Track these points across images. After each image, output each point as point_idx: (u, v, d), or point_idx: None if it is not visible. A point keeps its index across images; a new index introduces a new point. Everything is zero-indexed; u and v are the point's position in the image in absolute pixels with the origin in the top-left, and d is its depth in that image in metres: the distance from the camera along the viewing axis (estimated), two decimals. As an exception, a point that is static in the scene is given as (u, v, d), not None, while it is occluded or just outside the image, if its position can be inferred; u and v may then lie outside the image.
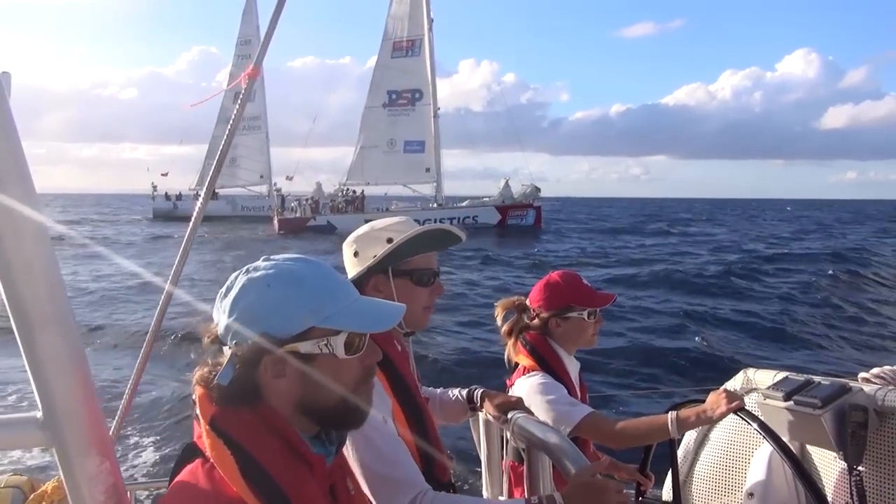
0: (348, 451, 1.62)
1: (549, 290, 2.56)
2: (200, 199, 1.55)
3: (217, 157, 1.64)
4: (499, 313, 2.59)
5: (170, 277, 1.50)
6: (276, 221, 42.09)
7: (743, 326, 14.08)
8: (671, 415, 2.17)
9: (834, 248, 30.69)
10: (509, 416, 2.01)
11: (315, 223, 40.73)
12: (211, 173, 1.63)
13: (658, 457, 2.39)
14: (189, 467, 1.13)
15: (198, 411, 1.15)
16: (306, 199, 43.18)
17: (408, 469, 1.64)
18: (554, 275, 2.61)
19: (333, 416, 1.18)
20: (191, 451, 1.15)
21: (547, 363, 2.49)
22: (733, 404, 2.06)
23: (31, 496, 1.65)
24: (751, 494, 2.26)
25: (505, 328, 2.59)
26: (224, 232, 39.55)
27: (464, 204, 43.11)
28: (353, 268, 1.90)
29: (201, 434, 1.13)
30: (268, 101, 58.58)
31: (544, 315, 2.54)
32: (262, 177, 57.10)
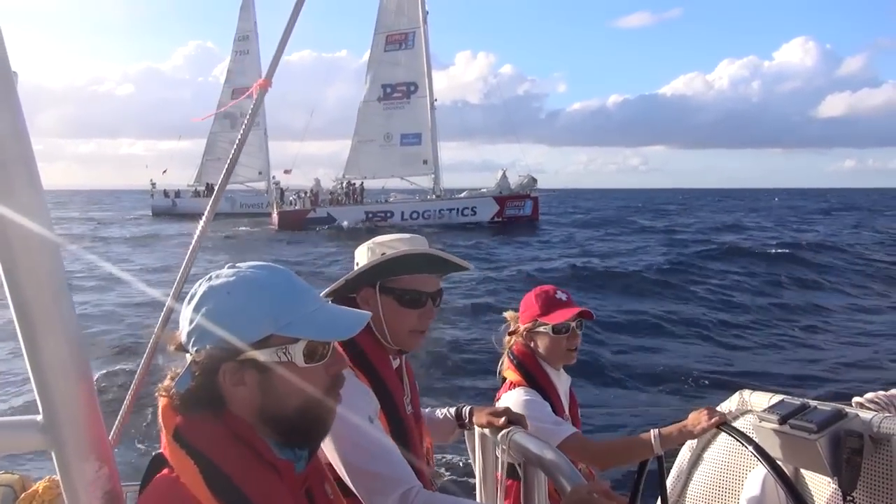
0: (333, 454, 1.62)
1: (523, 305, 2.58)
2: (202, 221, 1.54)
3: (224, 171, 1.63)
4: (507, 323, 2.60)
5: (173, 289, 1.49)
6: (275, 214, 41.93)
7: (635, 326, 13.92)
8: (653, 432, 2.18)
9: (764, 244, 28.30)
10: (504, 432, 2.00)
11: (315, 215, 40.65)
12: (217, 190, 1.62)
13: (650, 475, 2.39)
14: (156, 478, 1.13)
15: (160, 421, 1.14)
16: (305, 193, 43.10)
17: (398, 466, 1.63)
18: (536, 288, 2.61)
19: (295, 425, 1.16)
20: (158, 462, 1.15)
21: (533, 378, 2.48)
22: (713, 420, 2.08)
23: (23, 495, 1.63)
24: None
25: (505, 339, 2.60)
26: (222, 229, 39.00)
27: (462, 195, 42.98)
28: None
29: (167, 444, 1.13)
30: (265, 96, 57.92)
31: (522, 329, 2.55)
32: (260, 173, 56.92)
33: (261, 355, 1.12)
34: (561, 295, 2.54)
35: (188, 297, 1.18)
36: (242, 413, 1.13)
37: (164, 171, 60.21)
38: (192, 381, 1.12)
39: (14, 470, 1.77)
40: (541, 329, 2.50)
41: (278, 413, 1.14)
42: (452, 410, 2.25)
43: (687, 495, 2.61)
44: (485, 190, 42.19)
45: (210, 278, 1.19)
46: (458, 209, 40.58)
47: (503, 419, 2.04)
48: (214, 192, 1.59)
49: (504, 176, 41.70)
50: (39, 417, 1.13)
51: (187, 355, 1.16)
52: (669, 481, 2.62)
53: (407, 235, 1.92)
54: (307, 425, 1.18)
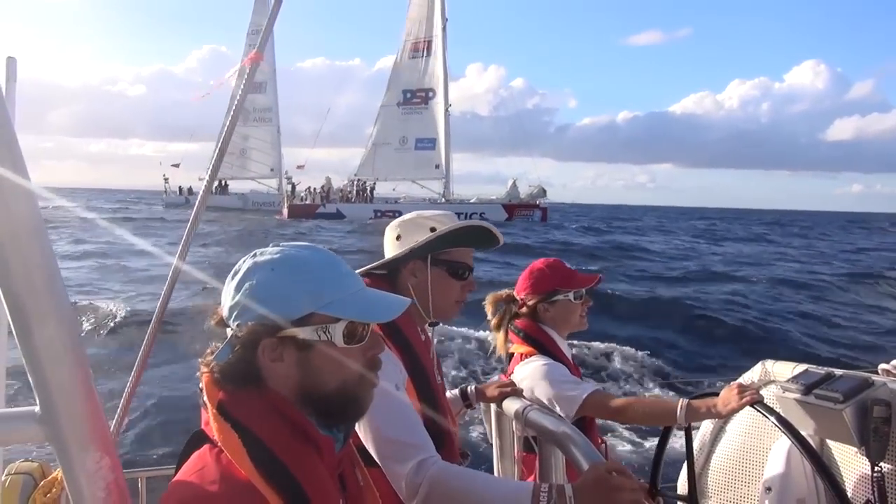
0: (359, 424, 1.61)
1: (533, 277, 2.58)
2: (200, 193, 1.54)
3: (218, 148, 1.62)
4: (489, 308, 2.61)
5: (170, 271, 1.49)
6: (285, 208, 42.84)
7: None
8: (682, 402, 2.13)
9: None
10: (521, 408, 1.99)
11: (324, 210, 41.71)
12: (213, 160, 1.61)
13: (672, 448, 2.35)
14: (197, 453, 1.13)
15: (204, 397, 1.14)
16: (316, 189, 43.80)
17: (417, 434, 1.64)
18: (537, 262, 2.63)
19: (332, 404, 1.17)
20: (198, 438, 1.15)
21: (543, 346, 2.49)
22: (745, 399, 2.01)
23: (42, 483, 1.65)
24: (769, 488, 2.21)
25: (494, 321, 2.60)
26: (233, 223, 39.90)
27: (472, 200, 43.52)
28: (393, 250, 1.92)
29: (208, 420, 1.13)
30: (278, 100, 58.99)
31: (531, 302, 2.55)
32: (272, 170, 57.64)
33: (301, 333, 1.13)
34: (569, 265, 2.61)
35: (232, 272, 1.20)
36: (283, 389, 1.14)
37: (177, 165, 60.69)
38: (231, 355, 1.13)
39: (33, 458, 1.79)
40: (558, 297, 2.52)
41: (316, 391, 1.15)
42: (457, 391, 2.28)
43: (710, 467, 2.56)
44: (495, 197, 42.72)
45: (255, 255, 1.20)
46: (466, 213, 41.02)
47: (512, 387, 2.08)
48: (209, 168, 1.58)
49: (515, 185, 42.52)
50: (37, 408, 1.12)
51: (228, 330, 1.16)
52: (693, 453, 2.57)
53: (444, 212, 1.98)
54: (343, 405, 1.18)
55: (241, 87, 1.50)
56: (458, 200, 43.62)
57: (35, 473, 1.70)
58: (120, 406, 1.49)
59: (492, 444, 2.37)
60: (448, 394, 2.25)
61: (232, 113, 1.55)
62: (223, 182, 58.02)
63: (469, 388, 2.24)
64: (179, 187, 60.72)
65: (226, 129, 1.55)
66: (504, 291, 2.65)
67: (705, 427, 2.57)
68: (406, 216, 1.97)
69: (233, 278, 1.19)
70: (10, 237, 1.03)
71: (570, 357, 2.58)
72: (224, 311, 1.18)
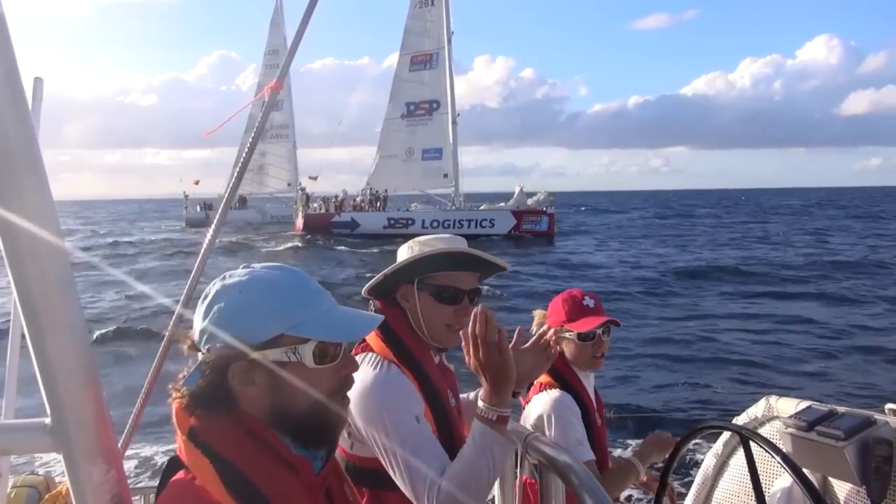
0: (377, 440, 1.66)
1: (551, 308, 2.56)
2: (212, 228, 1.56)
3: (237, 172, 1.64)
4: (534, 324, 2.53)
5: (184, 292, 1.50)
6: (300, 218, 43.26)
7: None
8: (632, 459, 2.42)
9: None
10: (524, 436, 1.98)
11: (339, 219, 42.18)
12: (227, 194, 1.63)
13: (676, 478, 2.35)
14: (172, 480, 1.12)
15: (174, 423, 1.13)
16: (331, 199, 44.27)
17: (435, 458, 1.65)
18: (564, 293, 2.58)
19: (304, 426, 1.15)
20: (174, 465, 1.14)
21: (563, 378, 2.45)
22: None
23: (46, 496, 1.66)
24: None
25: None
26: (251, 237, 41.76)
27: (482, 208, 43.78)
28: None
29: (181, 446, 1.12)
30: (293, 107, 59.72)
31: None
32: (289, 184, 58.24)
33: (270, 355, 1.11)
34: (589, 301, 2.51)
35: (202, 295, 1.19)
36: (255, 412, 1.13)
37: (198, 182, 60.85)
38: (202, 380, 1.11)
39: (38, 472, 1.81)
40: (567, 335, 2.48)
41: (288, 413, 1.14)
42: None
43: (713, 502, 2.54)
44: (503, 205, 43.14)
45: (224, 277, 1.19)
46: (476, 220, 41.67)
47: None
48: (223, 202, 1.60)
49: (521, 191, 42.84)
50: (48, 420, 1.14)
51: (199, 354, 1.15)
52: (694, 488, 2.56)
53: (446, 235, 1.97)
54: (317, 426, 1.17)
55: (260, 116, 1.52)
56: (467, 207, 43.93)
57: (40, 487, 1.72)
58: (130, 421, 1.50)
59: None
60: (472, 395, 2.25)
61: (249, 144, 1.57)
62: (243, 197, 59.05)
63: None
64: (203, 202, 61.03)
65: (241, 162, 1.57)
66: (540, 311, 2.61)
67: (708, 462, 2.56)
68: (413, 240, 1.97)
69: (202, 302, 1.18)
70: (31, 258, 1.05)
71: (590, 390, 2.53)
72: (195, 336, 1.17)
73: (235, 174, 1.63)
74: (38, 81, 1.21)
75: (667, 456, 2.25)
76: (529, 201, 42.26)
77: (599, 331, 2.46)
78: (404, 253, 1.93)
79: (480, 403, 1.63)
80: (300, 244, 37.14)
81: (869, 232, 44.76)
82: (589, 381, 2.55)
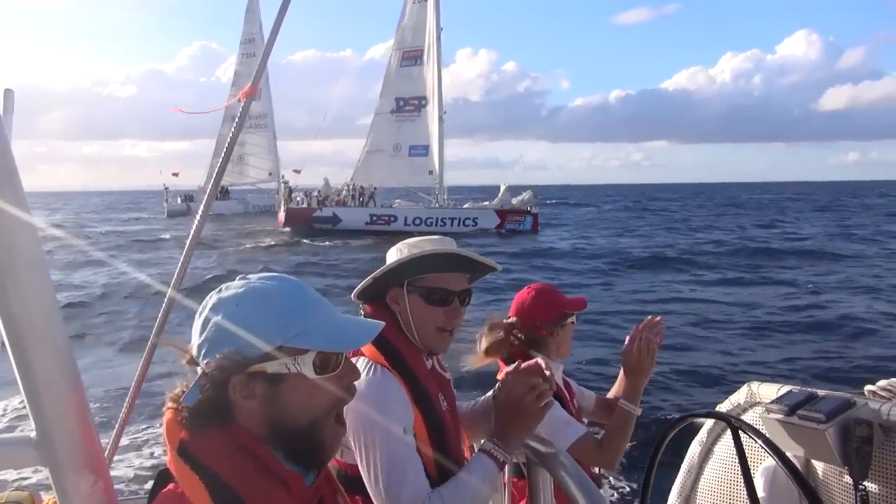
0: (359, 451, 1.65)
1: (544, 303, 2.55)
2: (197, 218, 1.55)
3: (218, 166, 1.64)
4: (487, 338, 2.49)
5: (166, 298, 1.50)
6: (281, 212, 42.95)
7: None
8: (622, 402, 2.31)
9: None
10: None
11: (321, 214, 41.66)
12: (208, 192, 1.63)
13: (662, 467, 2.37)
14: (160, 495, 1.11)
15: (164, 437, 1.12)
16: (314, 193, 44.01)
17: (412, 485, 1.63)
18: (537, 287, 2.61)
19: (301, 442, 1.14)
20: (163, 478, 1.13)
21: None
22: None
23: None
24: None
25: (486, 346, 2.48)
26: (231, 230, 42.00)
27: (465, 206, 43.81)
28: None
29: (171, 460, 1.11)
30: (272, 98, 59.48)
31: (549, 327, 2.53)
32: (270, 174, 58.28)
33: (269, 367, 1.10)
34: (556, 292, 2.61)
35: (199, 309, 1.17)
36: (252, 426, 1.12)
37: (177, 174, 61.09)
38: (202, 395, 1.10)
39: (25, 487, 1.79)
40: (567, 322, 2.54)
41: (288, 426, 1.13)
42: (490, 393, 2.21)
43: (698, 490, 2.58)
44: (487, 204, 43.28)
45: (220, 290, 1.17)
46: (460, 219, 41.60)
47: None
48: (205, 196, 1.61)
49: (506, 190, 43.06)
50: (33, 434, 1.14)
51: (198, 368, 1.14)
52: (680, 477, 2.60)
53: (436, 237, 1.95)
54: (313, 444, 1.15)
55: (235, 123, 1.52)
56: (451, 206, 43.91)
57: (25, 502, 1.70)
58: (115, 430, 1.50)
59: None
60: (476, 402, 2.25)
61: (225, 149, 1.57)
62: (225, 188, 58.96)
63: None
64: (185, 194, 60.89)
65: (220, 164, 1.57)
66: (508, 319, 2.57)
67: (693, 450, 2.59)
68: (402, 242, 1.95)
69: (199, 315, 1.17)
70: (9, 266, 1.05)
71: (559, 379, 2.56)
72: (193, 350, 1.15)
73: (217, 168, 1.63)
74: (8, 93, 1.20)
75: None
76: (514, 200, 42.32)
77: (571, 319, 2.54)
78: (393, 255, 1.91)
79: (490, 445, 1.69)
80: (273, 243, 36.70)
81: (826, 223, 47.57)
82: (559, 371, 2.58)
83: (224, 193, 59.28)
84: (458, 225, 40.82)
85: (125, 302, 18.13)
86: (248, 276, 1.21)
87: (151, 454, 7.08)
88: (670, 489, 2.60)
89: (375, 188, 44.49)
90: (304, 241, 36.91)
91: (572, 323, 2.57)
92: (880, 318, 15.10)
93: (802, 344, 12.94)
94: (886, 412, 1.97)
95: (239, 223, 47.19)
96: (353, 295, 1.93)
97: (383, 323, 1.26)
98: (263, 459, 1.10)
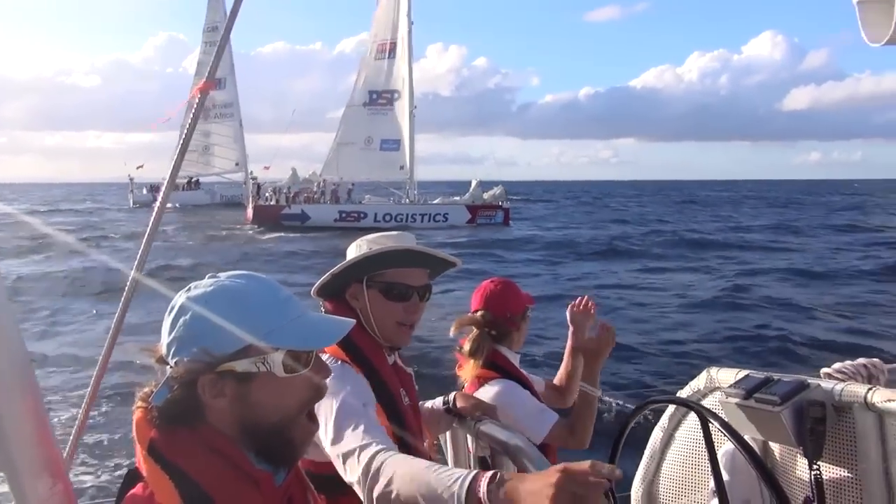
0: (322, 430, 1.58)
1: (510, 296, 2.58)
2: (157, 203, 1.55)
3: (172, 167, 1.63)
4: (455, 330, 2.51)
5: (124, 294, 1.49)
6: (249, 209, 42.53)
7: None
8: (582, 385, 2.46)
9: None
10: (472, 423, 2.02)
11: (290, 211, 41.34)
12: (167, 182, 1.62)
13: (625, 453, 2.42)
14: (128, 496, 1.10)
15: (134, 435, 1.12)
16: (282, 189, 43.48)
17: (372, 432, 1.55)
18: (502, 281, 2.64)
19: (272, 441, 1.14)
20: (132, 478, 1.12)
21: (503, 368, 2.50)
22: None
23: None
24: (715, 491, 2.30)
25: (470, 348, 2.49)
26: (199, 222, 41.90)
27: (436, 201, 43.78)
28: None
29: (140, 459, 1.11)
30: (238, 91, 58.65)
31: (517, 319, 2.56)
32: (237, 164, 57.63)
33: (239, 366, 1.10)
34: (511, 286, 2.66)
35: (168, 308, 1.17)
36: (222, 426, 1.12)
37: (141, 166, 61.07)
38: (171, 394, 1.10)
39: None
40: (529, 314, 2.62)
41: (257, 426, 1.13)
42: (440, 400, 2.24)
43: (661, 475, 2.63)
44: (457, 199, 43.25)
45: (189, 289, 1.17)
46: (430, 214, 41.68)
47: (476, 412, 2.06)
48: (164, 185, 1.59)
49: (477, 186, 43.30)
50: None
51: (167, 368, 1.14)
52: (643, 462, 2.65)
53: (395, 232, 1.97)
54: (283, 442, 1.15)
55: (191, 116, 1.51)
56: (421, 201, 43.83)
57: None
58: (74, 431, 1.49)
59: (447, 462, 2.38)
60: (430, 403, 2.26)
61: (181, 144, 1.56)
62: (194, 179, 59.04)
63: (450, 396, 2.18)
64: (150, 185, 60.11)
65: (177, 153, 1.56)
66: (478, 314, 2.54)
67: (655, 436, 2.64)
68: (361, 238, 1.96)
69: (168, 315, 1.16)
70: None
71: (524, 373, 2.61)
72: (163, 349, 1.15)
73: (175, 159, 1.61)
74: None
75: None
76: (486, 195, 42.53)
77: (529, 312, 2.62)
78: (353, 251, 1.92)
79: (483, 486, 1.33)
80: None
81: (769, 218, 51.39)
82: (516, 361, 2.62)
83: (195, 184, 59.40)
84: (429, 221, 40.89)
85: (77, 295, 17.90)
86: (217, 275, 1.20)
87: (116, 457, 6.85)
88: (633, 476, 2.64)
89: (353, 185, 44.19)
90: (272, 234, 36.65)
91: (529, 316, 2.64)
92: (807, 303, 16.68)
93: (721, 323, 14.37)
94: (839, 393, 2.04)
95: (205, 215, 47.36)
96: (312, 291, 1.93)
97: (353, 321, 1.26)
98: (233, 459, 1.10)
